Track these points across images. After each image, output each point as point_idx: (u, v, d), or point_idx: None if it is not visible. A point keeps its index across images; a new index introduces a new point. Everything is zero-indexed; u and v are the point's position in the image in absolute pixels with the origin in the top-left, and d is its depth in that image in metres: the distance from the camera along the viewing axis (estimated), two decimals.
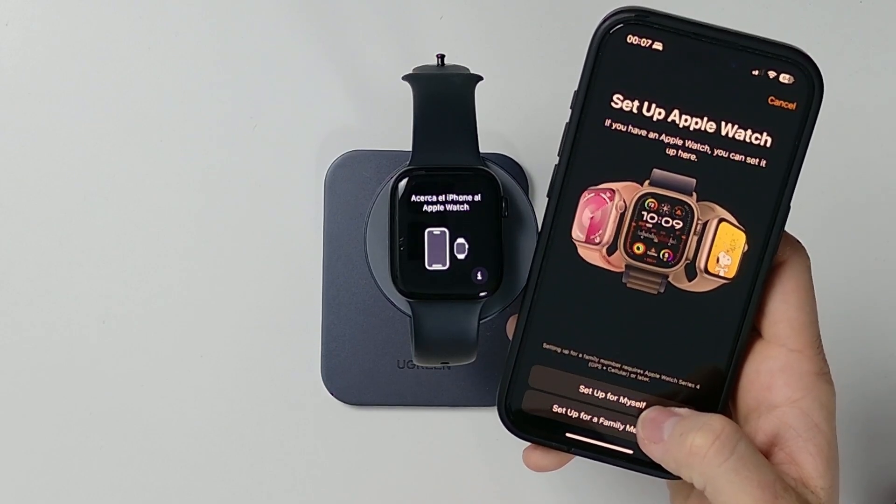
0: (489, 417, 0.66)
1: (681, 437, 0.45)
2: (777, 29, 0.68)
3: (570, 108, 0.46)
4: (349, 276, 0.65)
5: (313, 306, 0.66)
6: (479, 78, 0.53)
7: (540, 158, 0.66)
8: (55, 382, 0.65)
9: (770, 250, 0.46)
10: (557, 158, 0.46)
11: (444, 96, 0.52)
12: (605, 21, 0.45)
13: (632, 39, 0.45)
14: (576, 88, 0.45)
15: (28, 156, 0.66)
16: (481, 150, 0.51)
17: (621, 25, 0.45)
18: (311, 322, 0.66)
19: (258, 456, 0.66)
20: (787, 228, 0.47)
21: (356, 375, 0.65)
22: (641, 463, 0.48)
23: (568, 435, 0.48)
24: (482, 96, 0.52)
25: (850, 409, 0.66)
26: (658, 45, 0.45)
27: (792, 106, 0.45)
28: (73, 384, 0.65)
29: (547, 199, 0.47)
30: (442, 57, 0.54)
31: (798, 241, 0.47)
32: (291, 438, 0.66)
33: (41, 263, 0.66)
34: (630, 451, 0.48)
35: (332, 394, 0.65)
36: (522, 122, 0.67)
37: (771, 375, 0.46)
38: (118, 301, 0.66)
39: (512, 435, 0.48)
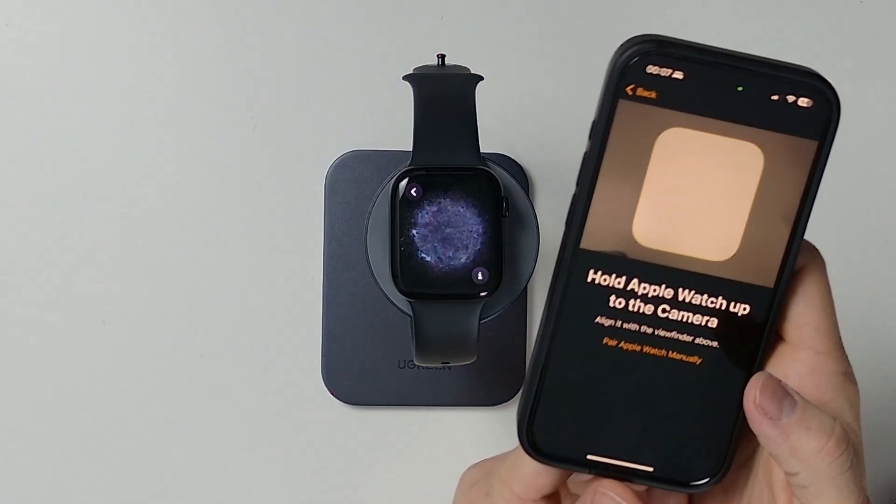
0: (489, 417, 0.66)
1: (808, 431, 0.44)
2: (777, 29, 0.68)
3: (589, 138, 0.45)
4: (349, 276, 0.65)
5: (313, 306, 0.66)
6: (480, 78, 0.53)
7: (540, 158, 0.66)
8: (55, 382, 0.65)
9: (791, 259, 0.46)
10: (576, 188, 0.46)
11: (444, 96, 0.52)
12: (624, 51, 0.45)
13: (652, 70, 0.44)
14: (594, 118, 0.45)
15: (28, 155, 0.66)
16: (481, 150, 0.51)
17: (641, 56, 0.44)
18: (311, 322, 0.66)
19: (258, 456, 0.66)
20: None
21: (356, 375, 0.65)
22: (664, 480, 0.47)
23: (590, 457, 0.48)
24: (482, 96, 0.52)
25: None
26: (679, 75, 0.44)
27: (810, 128, 0.45)
28: (73, 384, 0.65)
29: (566, 227, 0.46)
30: (442, 57, 0.54)
31: (814, 247, 0.47)
32: (291, 438, 0.66)
33: (41, 263, 0.66)
34: (651, 469, 0.47)
35: (332, 394, 0.65)
36: (522, 122, 0.67)
37: (800, 378, 0.46)
38: (118, 301, 0.66)
39: (535, 461, 0.48)
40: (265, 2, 0.67)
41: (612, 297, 0.46)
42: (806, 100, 0.45)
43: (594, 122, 0.45)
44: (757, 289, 0.46)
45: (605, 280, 0.46)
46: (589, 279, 0.46)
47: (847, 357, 0.47)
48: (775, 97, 0.45)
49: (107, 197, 0.66)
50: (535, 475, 0.48)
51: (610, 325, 0.47)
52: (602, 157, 0.45)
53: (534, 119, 0.67)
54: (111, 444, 0.65)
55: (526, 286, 0.53)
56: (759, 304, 0.46)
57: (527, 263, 0.50)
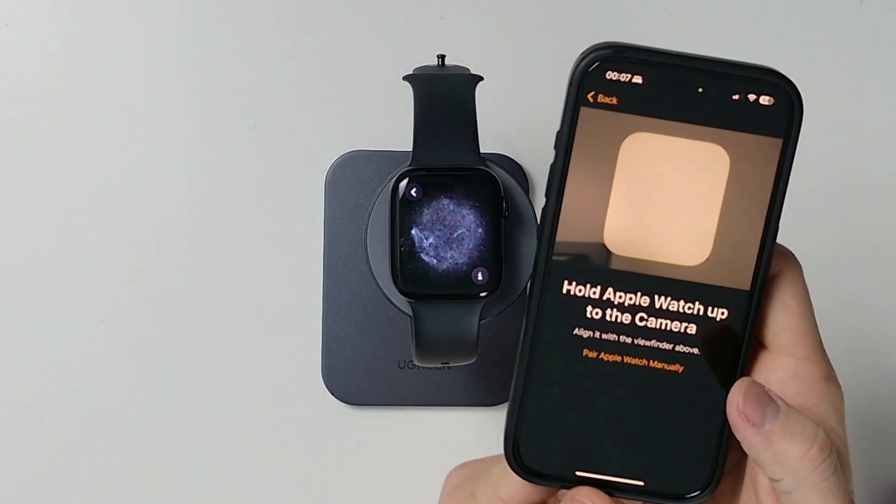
0: (489, 417, 0.66)
1: (791, 437, 0.44)
2: (777, 30, 0.68)
3: (555, 148, 0.45)
4: (349, 276, 0.65)
5: (313, 306, 0.66)
6: (480, 78, 0.53)
7: (540, 158, 0.66)
8: (55, 382, 0.65)
9: (766, 259, 0.46)
10: (545, 199, 0.46)
11: (444, 96, 0.52)
12: (582, 59, 0.45)
13: (611, 75, 0.45)
14: (558, 128, 0.45)
15: (28, 156, 0.66)
16: (481, 150, 0.51)
17: (599, 63, 0.45)
18: (311, 322, 0.66)
19: (258, 456, 0.66)
20: (784, 231, 0.47)
21: (356, 375, 0.65)
22: (656, 494, 0.47)
23: (578, 473, 0.47)
24: (482, 96, 0.52)
25: (850, 409, 0.66)
26: (638, 79, 0.45)
27: (774, 126, 0.45)
28: (73, 384, 0.65)
29: (537, 241, 0.46)
30: (442, 57, 0.54)
31: (789, 251, 0.47)
32: (291, 438, 0.66)
33: (41, 263, 0.66)
34: (642, 483, 0.47)
35: (332, 394, 0.65)
36: (522, 122, 0.67)
37: (782, 385, 0.46)
38: (118, 301, 0.66)
39: (523, 480, 0.47)
40: (265, 2, 0.67)
41: (589, 308, 0.46)
42: (767, 98, 0.45)
43: (558, 132, 0.45)
44: (733, 292, 0.46)
45: (580, 291, 0.46)
46: (564, 291, 0.46)
47: (829, 360, 0.47)
48: (736, 97, 0.45)
49: (107, 197, 0.66)
50: (524, 484, 0.48)
51: (589, 337, 0.47)
52: (568, 167, 0.45)
53: (534, 119, 0.67)
54: (111, 444, 0.65)
55: (526, 286, 0.53)
56: (736, 308, 0.46)
57: (527, 263, 0.49)
